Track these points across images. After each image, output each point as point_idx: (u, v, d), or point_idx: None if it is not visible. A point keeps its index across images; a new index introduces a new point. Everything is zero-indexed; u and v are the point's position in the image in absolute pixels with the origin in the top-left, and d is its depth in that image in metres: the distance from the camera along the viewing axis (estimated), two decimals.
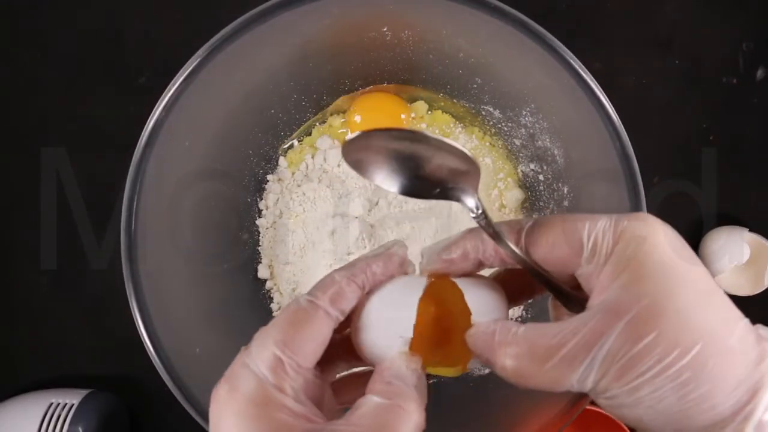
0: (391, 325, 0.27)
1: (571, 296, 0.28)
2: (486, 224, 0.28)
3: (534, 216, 0.51)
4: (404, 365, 0.26)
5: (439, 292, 0.29)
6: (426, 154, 0.27)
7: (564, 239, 0.27)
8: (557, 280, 0.28)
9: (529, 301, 0.36)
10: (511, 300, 0.30)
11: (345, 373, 0.31)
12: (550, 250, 0.27)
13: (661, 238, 0.25)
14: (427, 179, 0.28)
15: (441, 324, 0.28)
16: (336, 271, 0.28)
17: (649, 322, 0.23)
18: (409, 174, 0.28)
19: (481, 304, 0.28)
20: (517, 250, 0.28)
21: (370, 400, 0.25)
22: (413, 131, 0.27)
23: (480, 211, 0.28)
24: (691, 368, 0.23)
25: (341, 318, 0.27)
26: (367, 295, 0.28)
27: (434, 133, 0.45)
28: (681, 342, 0.23)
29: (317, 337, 0.26)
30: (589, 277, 0.26)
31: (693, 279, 0.24)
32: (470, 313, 0.28)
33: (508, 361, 0.25)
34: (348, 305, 0.27)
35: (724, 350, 0.23)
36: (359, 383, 0.27)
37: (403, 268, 0.29)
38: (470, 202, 0.28)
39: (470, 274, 0.30)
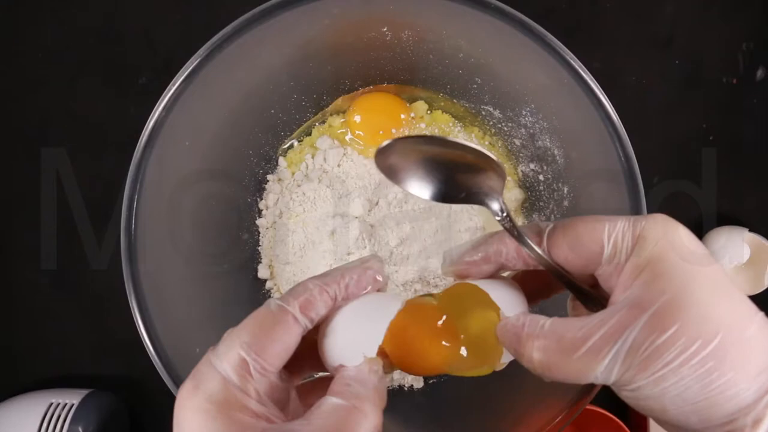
0: (356, 340, 0.28)
1: (591, 295, 0.29)
2: (511, 227, 0.29)
3: (534, 216, 0.51)
4: (366, 368, 0.27)
5: (460, 296, 0.29)
6: (454, 159, 0.29)
7: (585, 240, 0.28)
8: (578, 280, 0.29)
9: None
10: (528, 301, 0.31)
11: (314, 376, 0.31)
12: (571, 250, 0.28)
13: (678, 237, 0.26)
14: (455, 184, 0.30)
15: (450, 330, 0.28)
16: (310, 279, 0.28)
17: (672, 314, 0.24)
18: (438, 179, 0.30)
19: (505, 302, 0.29)
20: (540, 252, 0.29)
21: (328, 401, 0.25)
22: (442, 137, 0.29)
23: (504, 214, 0.29)
24: (714, 357, 0.24)
25: (310, 326, 0.27)
26: (338, 306, 0.29)
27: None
28: (703, 333, 0.24)
29: (284, 342, 0.26)
30: (610, 276, 0.27)
31: (710, 275, 0.25)
32: (499, 308, 0.29)
33: (535, 353, 0.26)
34: (317, 314, 0.28)
35: (744, 340, 0.24)
36: (325, 387, 0.27)
37: (378, 283, 0.30)
38: (495, 205, 0.30)
39: (490, 277, 0.31)
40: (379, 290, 0.30)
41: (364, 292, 0.29)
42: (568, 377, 0.26)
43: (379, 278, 0.30)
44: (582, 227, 0.28)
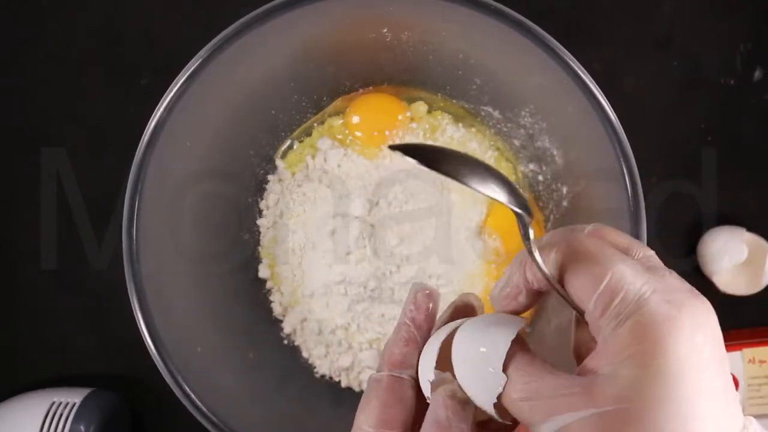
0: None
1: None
2: (524, 234, 0.25)
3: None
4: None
5: None
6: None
7: (576, 279, 0.24)
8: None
9: None
10: None
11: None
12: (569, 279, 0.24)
13: (698, 341, 0.21)
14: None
15: None
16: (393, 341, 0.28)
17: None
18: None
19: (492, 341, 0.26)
20: (543, 268, 0.25)
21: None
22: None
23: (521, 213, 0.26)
24: None
25: (407, 376, 0.27)
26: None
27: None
28: None
29: (397, 403, 0.27)
30: (594, 324, 0.23)
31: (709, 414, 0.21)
32: None
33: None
34: (409, 361, 0.28)
35: None
36: None
37: (433, 295, 0.29)
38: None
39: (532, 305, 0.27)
40: (431, 307, 0.29)
41: (428, 311, 0.28)
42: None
43: (427, 291, 0.29)
44: (577, 264, 0.24)
